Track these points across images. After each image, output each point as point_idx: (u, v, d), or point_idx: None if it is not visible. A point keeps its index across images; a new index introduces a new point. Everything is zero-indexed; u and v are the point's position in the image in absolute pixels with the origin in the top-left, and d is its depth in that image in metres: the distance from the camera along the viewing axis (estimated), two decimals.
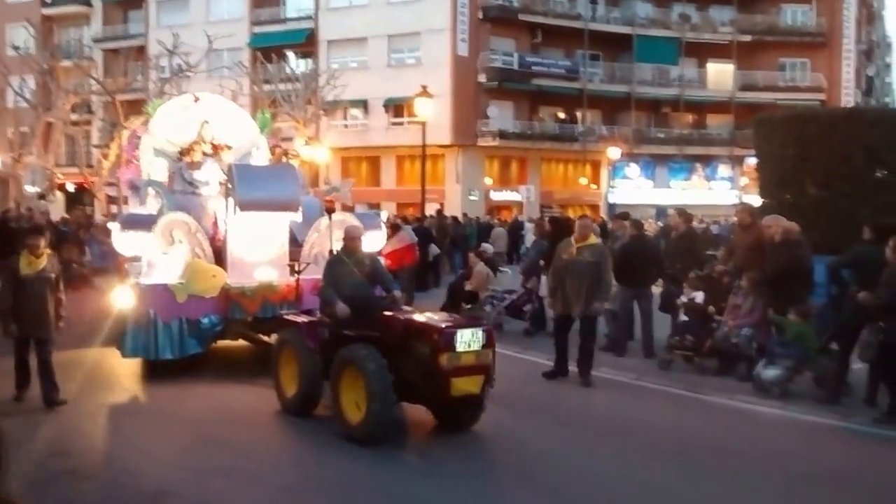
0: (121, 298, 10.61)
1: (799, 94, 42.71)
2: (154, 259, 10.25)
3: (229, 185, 10.50)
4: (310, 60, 40.34)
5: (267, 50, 38.51)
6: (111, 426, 8.15)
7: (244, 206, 10.12)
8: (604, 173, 43.76)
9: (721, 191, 44.44)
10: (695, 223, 16.50)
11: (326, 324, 7.94)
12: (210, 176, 11.77)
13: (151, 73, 36.99)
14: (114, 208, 35.81)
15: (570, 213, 39.92)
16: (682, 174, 45.72)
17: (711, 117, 45.87)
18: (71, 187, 40.88)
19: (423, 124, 21.63)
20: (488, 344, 7.15)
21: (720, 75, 44.95)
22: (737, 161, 43.82)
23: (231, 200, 10.32)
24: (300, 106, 34.55)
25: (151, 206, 11.43)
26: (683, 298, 11.04)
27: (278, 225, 10.61)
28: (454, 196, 39.09)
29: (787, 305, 9.45)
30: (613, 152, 37.60)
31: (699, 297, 10.84)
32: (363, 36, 40.87)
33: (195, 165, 11.74)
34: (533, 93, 41.83)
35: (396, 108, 39.41)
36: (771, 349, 9.42)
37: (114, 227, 11.16)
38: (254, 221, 10.32)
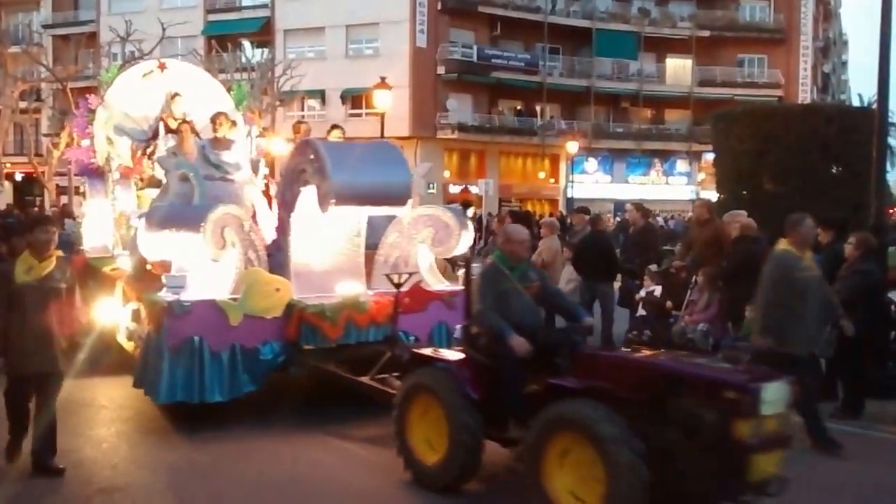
0: (109, 314, 8.81)
1: (756, 90, 43.30)
2: (196, 267, 7.82)
3: (308, 170, 7.89)
4: (266, 50, 39.74)
5: (222, 38, 37.89)
6: (74, 423, 7.52)
7: (342, 197, 7.56)
8: (562, 167, 43.85)
9: (678, 186, 44.90)
10: (651, 219, 16.50)
11: (488, 365, 5.96)
12: (242, 158, 9.54)
13: (103, 61, 36.09)
14: (64, 199, 35.11)
15: (529, 208, 40.17)
16: (640, 169, 46.11)
17: (670, 112, 46.27)
18: (19, 177, 39.88)
19: (382, 116, 21.45)
20: (792, 403, 5.27)
21: (679, 70, 45.32)
22: (694, 156, 44.28)
23: (318, 190, 7.76)
24: (256, 96, 33.84)
25: (123, 198, 9.86)
26: (642, 293, 10.98)
27: (359, 222, 8.30)
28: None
29: (744, 301, 9.40)
30: (572, 147, 37.69)
31: (658, 290, 10.78)
32: (321, 25, 40.43)
33: (223, 143, 9.35)
34: (492, 86, 41.79)
35: (354, 99, 39.05)
36: (726, 345, 9.40)
37: (139, 224, 8.63)
38: (325, 218, 7.91)
